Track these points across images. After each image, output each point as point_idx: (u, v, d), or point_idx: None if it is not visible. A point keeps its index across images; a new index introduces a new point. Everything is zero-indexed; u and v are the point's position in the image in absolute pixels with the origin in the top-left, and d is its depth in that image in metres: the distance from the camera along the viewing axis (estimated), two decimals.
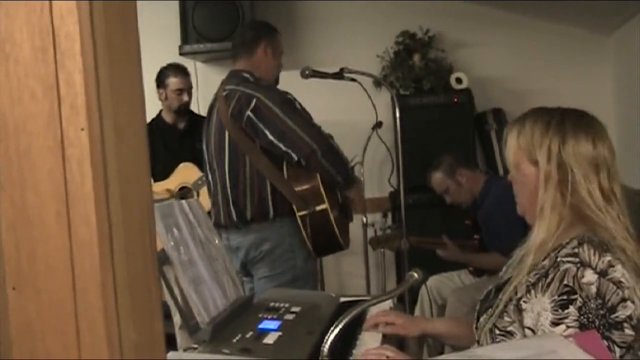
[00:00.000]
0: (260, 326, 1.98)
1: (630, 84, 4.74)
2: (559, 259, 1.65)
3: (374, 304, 2.07)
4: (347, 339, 2.00)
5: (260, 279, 3.20)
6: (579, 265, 1.61)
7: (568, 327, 1.56)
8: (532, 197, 1.77)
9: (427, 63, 5.12)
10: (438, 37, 5.22)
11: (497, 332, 1.72)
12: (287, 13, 5.31)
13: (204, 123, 3.44)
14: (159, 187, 4.19)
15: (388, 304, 2.37)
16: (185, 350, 1.82)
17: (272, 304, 2.20)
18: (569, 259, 1.63)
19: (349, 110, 4.63)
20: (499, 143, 4.92)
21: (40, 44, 0.83)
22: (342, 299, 2.41)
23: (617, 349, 1.56)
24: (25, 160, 0.85)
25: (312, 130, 3.10)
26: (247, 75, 3.25)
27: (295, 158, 3.06)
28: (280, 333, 1.91)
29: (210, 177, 3.35)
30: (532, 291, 1.66)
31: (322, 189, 3.14)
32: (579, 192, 1.71)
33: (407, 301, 3.74)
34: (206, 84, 4.93)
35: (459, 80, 5.04)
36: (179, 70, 4.46)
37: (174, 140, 4.45)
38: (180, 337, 3.95)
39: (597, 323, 1.56)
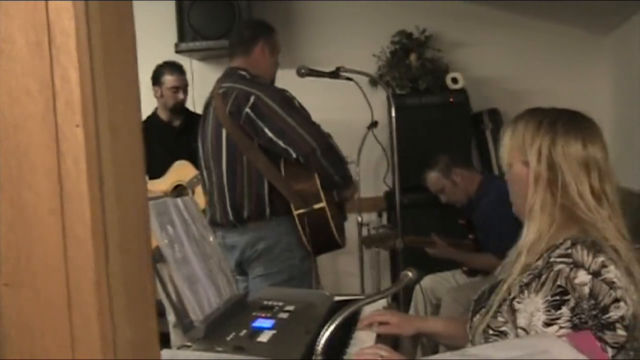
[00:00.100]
0: (255, 324, 1.97)
1: (628, 84, 4.75)
2: (552, 260, 1.66)
3: (369, 303, 2.08)
4: (342, 338, 2.00)
5: (255, 277, 3.19)
6: (572, 265, 1.61)
7: (561, 327, 1.57)
8: (524, 197, 1.78)
9: (423, 63, 5.13)
10: (434, 37, 5.22)
11: (491, 332, 1.73)
12: (284, 12, 5.31)
13: (200, 121, 3.43)
14: (155, 185, 4.19)
15: (382, 303, 2.37)
16: (179, 348, 1.82)
17: (266, 303, 2.20)
18: (562, 259, 1.64)
19: (345, 110, 4.63)
20: (494, 143, 4.92)
21: (35, 40, 0.83)
22: (337, 298, 2.42)
23: (609, 349, 1.56)
24: (21, 158, 0.84)
25: (312, 129, 3.09)
26: (244, 73, 3.24)
27: (294, 156, 3.06)
28: (274, 331, 1.91)
29: (206, 175, 3.34)
30: (526, 291, 1.67)
31: (320, 188, 3.14)
32: (569, 192, 1.72)
33: (401, 301, 3.74)
34: (202, 82, 4.92)
35: (455, 80, 5.05)
36: (175, 68, 4.46)
37: (169, 138, 4.44)
38: (175, 336, 3.94)
39: (589, 323, 1.56)
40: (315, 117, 3.20)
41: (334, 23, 5.36)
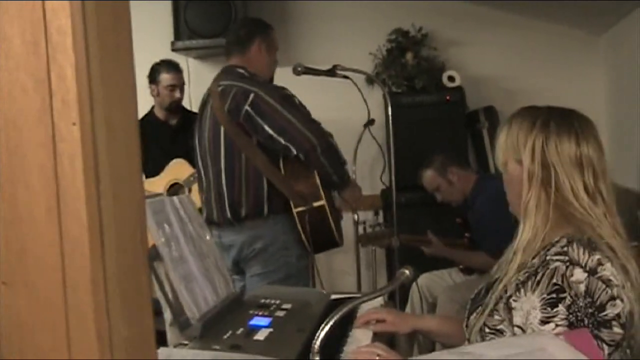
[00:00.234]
0: (251, 323, 1.97)
1: (622, 83, 4.76)
2: (548, 258, 1.66)
3: (365, 301, 2.08)
4: (338, 336, 2.00)
5: (252, 276, 3.19)
6: (568, 263, 1.61)
7: (557, 325, 1.57)
8: (519, 196, 1.78)
9: (419, 61, 5.13)
10: (431, 35, 5.23)
11: (487, 330, 1.73)
12: (280, 10, 5.30)
13: (196, 119, 3.42)
14: (151, 184, 4.18)
15: (379, 301, 2.37)
16: (175, 346, 1.82)
17: (262, 301, 2.20)
18: (558, 257, 1.64)
19: (341, 108, 4.63)
20: (490, 141, 4.93)
21: (32, 38, 0.83)
22: (333, 296, 2.42)
23: (605, 347, 1.57)
24: (15, 156, 0.84)
25: (313, 126, 3.09)
26: (242, 71, 3.23)
27: (295, 152, 3.05)
28: (271, 330, 1.91)
29: (202, 173, 3.33)
30: (522, 290, 1.67)
31: (319, 186, 3.14)
32: (563, 191, 1.72)
33: (397, 299, 3.75)
34: (198, 80, 4.91)
35: (451, 79, 5.05)
36: (172, 66, 4.45)
37: (165, 136, 4.44)
38: (171, 334, 3.94)
39: (586, 321, 1.56)
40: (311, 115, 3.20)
41: (330, 21, 5.36)
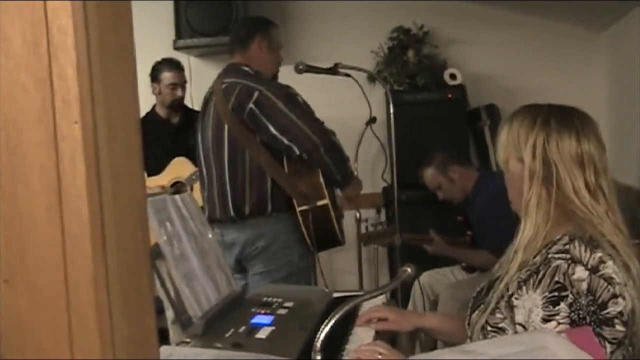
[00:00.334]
0: (253, 321, 1.97)
1: (623, 81, 4.76)
2: (549, 256, 1.66)
3: (367, 299, 2.08)
4: (340, 335, 2.00)
5: (255, 275, 3.19)
6: (569, 261, 1.61)
7: (559, 323, 1.57)
8: (520, 194, 1.78)
9: (421, 59, 5.13)
10: (432, 33, 5.22)
11: (489, 328, 1.73)
12: (281, 8, 5.30)
13: (199, 117, 3.41)
14: (153, 182, 4.18)
15: (381, 299, 2.37)
16: (177, 344, 1.82)
17: (265, 299, 2.20)
18: (560, 255, 1.64)
19: (343, 106, 4.63)
20: (492, 139, 4.93)
21: (32, 37, 0.83)
22: (335, 295, 2.42)
23: (607, 345, 1.57)
24: (16, 155, 0.84)
25: (316, 125, 3.09)
26: (246, 69, 3.23)
27: (297, 152, 3.05)
28: (273, 328, 1.91)
29: (205, 171, 3.32)
30: (524, 288, 1.67)
31: (323, 185, 3.13)
32: (564, 188, 1.72)
33: (399, 297, 3.75)
34: (200, 78, 4.91)
35: (453, 76, 5.05)
36: (173, 64, 4.46)
37: (167, 135, 4.44)
38: (173, 332, 3.93)
39: (588, 319, 1.56)
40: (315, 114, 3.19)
41: (332, 19, 5.36)
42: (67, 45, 0.82)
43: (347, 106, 4.47)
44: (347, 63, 3.60)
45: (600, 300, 1.57)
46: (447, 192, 4.21)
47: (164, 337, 3.92)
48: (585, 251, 1.62)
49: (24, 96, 0.83)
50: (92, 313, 0.84)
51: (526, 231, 1.75)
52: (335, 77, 3.62)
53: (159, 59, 4.50)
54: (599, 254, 1.62)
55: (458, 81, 5.03)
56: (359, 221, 4.47)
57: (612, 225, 1.72)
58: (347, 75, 3.61)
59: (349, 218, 4.02)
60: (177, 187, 4.24)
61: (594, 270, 1.60)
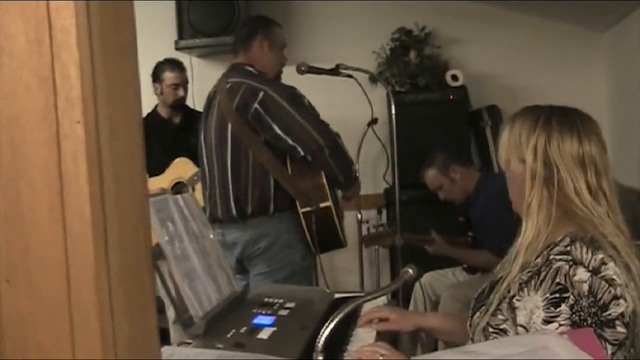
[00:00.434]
0: (255, 321, 1.97)
1: (625, 82, 4.76)
2: (551, 257, 1.66)
3: (369, 300, 2.08)
4: (341, 335, 2.00)
5: (256, 275, 3.18)
6: (571, 263, 1.61)
7: (560, 325, 1.57)
8: (521, 195, 1.78)
9: (422, 60, 5.13)
10: (434, 34, 5.22)
11: (491, 330, 1.73)
12: (283, 8, 5.30)
13: (202, 116, 3.41)
14: (154, 182, 4.18)
15: (382, 300, 2.37)
16: (179, 345, 1.82)
17: (266, 299, 2.20)
18: (561, 256, 1.64)
19: (344, 106, 4.63)
20: (493, 140, 4.93)
21: (35, 36, 0.83)
22: (337, 295, 2.42)
23: (609, 347, 1.56)
24: (18, 153, 0.84)
25: (321, 127, 3.09)
26: (250, 69, 3.22)
27: (302, 153, 3.04)
28: (274, 328, 1.91)
29: (207, 170, 3.31)
30: (525, 289, 1.67)
31: (326, 186, 3.13)
32: (565, 189, 1.72)
33: (400, 298, 3.75)
34: (202, 79, 4.92)
35: (454, 77, 5.05)
36: (175, 65, 4.46)
37: (168, 135, 4.44)
38: (174, 332, 3.94)
39: (589, 321, 1.56)
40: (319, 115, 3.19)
41: (334, 20, 5.36)
42: (69, 44, 0.82)
43: (349, 107, 4.47)
44: (348, 64, 3.60)
45: (601, 302, 1.57)
46: (448, 192, 4.20)
47: (164, 337, 3.93)
48: (587, 252, 1.62)
49: (27, 95, 0.84)
50: (94, 312, 0.84)
51: (527, 232, 1.75)
52: (336, 78, 3.63)
53: (160, 59, 4.50)
54: (600, 255, 1.62)
55: (460, 82, 5.03)
56: (360, 222, 4.47)
57: (613, 226, 1.71)
58: (349, 76, 3.61)
59: (350, 219, 4.02)
60: (178, 188, 4.24)
61: (595, 272, 1.59)
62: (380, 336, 2.07)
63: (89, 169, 0.83)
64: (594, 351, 1.41)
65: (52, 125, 0.83)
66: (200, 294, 1.89)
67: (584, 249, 1.63)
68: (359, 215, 4.41)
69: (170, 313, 3.88)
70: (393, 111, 3.73)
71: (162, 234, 1.82)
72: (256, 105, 3.04)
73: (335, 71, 3.57)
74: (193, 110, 4.57)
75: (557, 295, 1.59)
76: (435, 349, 3.69)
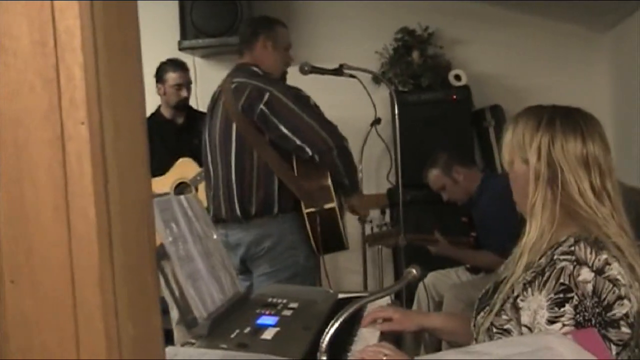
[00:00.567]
0: (258, 322, 1.97)
1: (627, 82, 4.75)
2: (555, 257, 1.66)
3: (372, 301, 2.08)
4: (345, 336, 2.00)
5: (260, 276, 3.18)
6: (575, 263, 1.61)
7: (564, 325, 1.57)
8: (525, 195, 1.78)
9: (425, 60, 5.13)
10: (437, 34, 5.22)
11: (495, 330, 1.73)
12: (286, 9, 5.30)
13: (206, 116, 3.40)
14: (157, 183, 4.18)
15: (385, 300, 2.37)
16: (183, 345, 1.82)
17: (270, 300, 2.20)
18: (565, 257, 1.64)
19: (348, 107, 4.63)
20: (497, 140, 4.92)
21: (40, 37, 0.83)
22: (340, 296, 2.42)
23: (613, 347, 1.56)
24: (23, 154, 0.85)
25: (330, 128, 3.09)
26: (256, 69, 3.22)
27: (310, 153, 3.04)
28: (278, 329, 1.91)
29: (211, 170, 3.31)
30: (529, 289, 1.66)
31: (331, 188, 3.13)
32: (569, 190, 1.72)
33: (404, 298, 3.75)
34: (205, 79, 4.92)
35: (457, 77, 5.04)
36: (178, 65, 4.46)
37: (171, 135, 4.44)
38: (178, 333, 3.95)
39: (593, 321, 1.56)
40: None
41: (337, 20, 5.36)
42: (74, 45, 0.82)
43: (352, 107, 4.47)
44: (351, 64, 3.60)
45: (605, 302, 1.57)
46: (451, 193, 4.20)
47: (168, 338, 3.93)
48: (591, 253, 1.62)
49: (32, 96, 0.84)
50: (98, 313, 0.84)
51: (531, 233, 1.75)
52: (339, 78, 3.63)
53: (163, 59, 4.50)
54: (605, 256, 1.62)
55: (463, 82, 5.03)
56: (363, 223, 4.47)
57: (617, 226, 1.71)
58: (352, 76, 3.62)
59: (353, 219, 4.02)
60: (181, 188, 4.24)
61: (599, 272, 1.59)
62: (384, 336, 2.07)
63: (94, 169, 0.83)
64: (598, 351, 1.40)
65: (57, 126, 0.84)
66: (204, 295, 1.89)
67: (588, 249, 1.63)
68: (365, 221, 4.41)
69: (174, 314, 3.88)
70: (396, 111, 3.73)
71: (166, 235, 1.82)
72: (262, 106, 3.04)
73: (338, 71, 3.58)
74: (196, 111, 4.57)
75: (561, 295, 1.59)
76: (439, 349, 3.69)
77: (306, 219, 3.10)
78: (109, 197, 0.85)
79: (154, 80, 4.42)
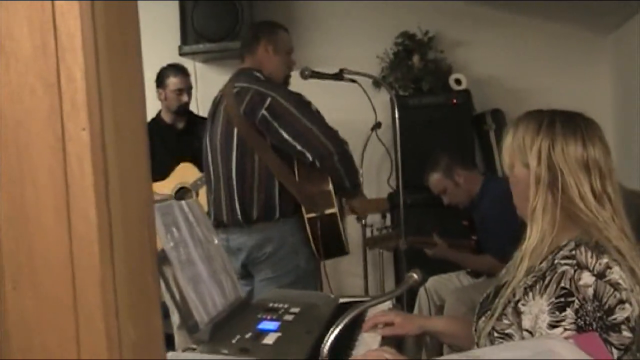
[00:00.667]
0: (260, 326, 1.97)
1: (629, 84, 4.75)
2: (556, 262, 1.66)
3: (373, 305, 2.07)
4: (346, 340, 2.00)
5: (262, 280, 3.17)
6: (576, 267, 1.61)
7: (565, 329, 1.56)
8: (526, 199, 1.78)
9: (426, 64, 5.13)
10: (437, 38, 5.23)
11: (496, 334, 1.72)
12: (287, 13, 5.31)
13: (207, 120, 3.40)
14: (158, 187, 4.18)
15: (387, 304, 2.37)
16: (184, 350, 1.82)
17: (271, 305, 2.19)
18: (566, 261, 1.63)
19: (348, 111, 4.63)
20: (497, 144, 4.92)
21: (41, 40, 0.83)
22: (341, 300, 2.41)
23: (614, 351, 1.56)
24: (24, 157, 0.85)
25: (330, 133, 3.09)
26: (257, 74, 3.23)
27: (310, 158, 3.04)
28: (279, 334, 1.91)
29: (212, 174, 3.31)
30: (530, 293, 1.66)
31: (332, 193, 3.13)
32: (569, 193, 1.72)
33: (405, 302, 3.74)
34: (205, 84, 4.93)
35: (458, 81, 5.05)
36: (179, 70, 4.46)
37: (172, 140, 4.44)
38: (179, 337, 3.94)
39: (594, 325, 1.56)
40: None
41: (337, 24, 5.37)
42: (75, 48, 0.83)
43: (352, 111, 4.47)
44: (352, 68, 3.60)
45: (606, 306, 1.57)
46: (452, 196, 4.19)
47: (169, 343, 3.92)
48: (592, 257, 1.62)
49: (33, 98, 0.84)
50: (99, 315, 0.84)
51: (532, 237, 1.75)
52: (340, 82, 3.63)
53: (164, 64, 4.51)
54: (605, 260, 1.61)
55: (463, 86, 5.03)
56: (364, 226, 4.47)
57: (618, 230, 1.71)
58: (353, 80, 3.62)
59: (354, 222, 4.02)
60: (182, 193, 4.24)
61: (600, 276, 1.59)
62: (385, 341, 2.06)
63: (94, 171, 0.84)
64: (599, 355, 1.40)
65: (58, 129, 0.84)
66: (205, 299, 1.89)
67: (589, 253, 1.63)
68: (363, 220, 4.41)
69: (175, 318, 3.88)
70: (397, 115, 3.73)
71: (167, 240, 1.82)
72: (264, 110, 3.04)
73: (338, 76, 3.58)
74: (197, 116, 4.57)
75: (562, 299, 1.59)
76: (441, 354, 3.68)
77: (307, 224, 3.10)
78: (110, 198, 0.85)
79: (154, 85, 4.42)
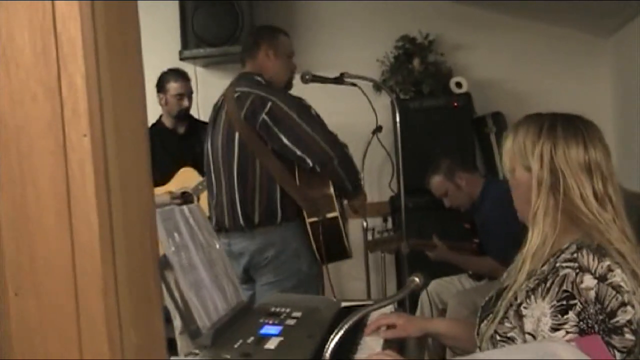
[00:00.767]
0: (262, 331, 1.97)
1: (629, 87, 4.75)
2: (557, 265, 1.65)
3: (376, 309, 2.07)
4: (349, 344, 1.99)
5: (264, 285, 3.17)
6: (577, 270, 1.61)
7: (567, 332, 1.56)
8: (527, 202, 1.78)
9: (426, 67, 5.13)
10: (437, 41, 5.23)
11: (498, 338, 1.72)
12: (287, 17, 5.31)
13: (209, 125, 3.40)
14: (159, 192, 4.18)
15: (389, 307, 2.36)
16: (186, 355, 1.82)
17: (273, 309, 2.19)
18: (568, 264, 1.63)
19: (349, 114, 4.63)
20: (498, 147, 4.92)
21: (42, 47, 0.84)
22: (343, 304, 2.41)
23: (617, 354, 1.56)
24: (26, 162, 0.85)
25: (330, 138, 3.09)
26: (258, 78, 3.23)
27: (310, 164, 3.05)
28: (281, 338, 1.91)
29: (214, 179, 3.31)
30: (532, 297, 1.66)
31: (334, 197, 3.13)
32: (571, 196, 1.72)
33: (407, 305, 3.74)
34: (206, 88, 4.93)
35: (458, 84, 5.05)
36: (179, 75, 4.46)
37: (173, 145, 4.44)
38: (181, 342, 3.94)
39: (596, 328, 1.55)
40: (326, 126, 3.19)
41: (338, 28, 5.37)
42: (76, 55, 0.83)
43: (353, 115, 4.47)
44: (353, 71, 3.60)
45: (609, 309, 1.57)
46: (453, 198, 4.19)
47: (172, 347, 3.92)
48: (593, 259, 1.62)
49: (34, 105, 0.84)
50: (101, 320, 0.84)
51: (534, 240, 1.75)
52: (341, 86, 3.63)
53: (165, 69, 4.51)
54: (607, 262, 1.61)
55: (464, 89, 5.03)
56: (365, 230, 4.46)
57: (620, 232, 1.71)
58: (353, 84, 3.62)
59: (355, 226, 4.01)
60: (185, 197, 4.24)
61: (602, 279, 1.59)
62: (388, 343, 2.06)
63: (96, 178, 0.84)
64: (602, 358, 1.40)
65: (59, 135, 0.84)
66: (207, 304, 1.89)
67: (591, 256, 1.62)
68: (365, 223, 4.41)
69: (177, 323, 3.88)
70: (397, 119, 3.73)
71: (169, 245, 1.82)
72: (264, 115, 3.04)
73: (339, 80, 3.58)
74: (197, 120, 4.57)
75: (564, 302, 1.58)
76: (443, 356, 3.68)
77: (309, 228, 3.10)
78: (112, 204, 0.85)
79: (155, 90, 4.43)
